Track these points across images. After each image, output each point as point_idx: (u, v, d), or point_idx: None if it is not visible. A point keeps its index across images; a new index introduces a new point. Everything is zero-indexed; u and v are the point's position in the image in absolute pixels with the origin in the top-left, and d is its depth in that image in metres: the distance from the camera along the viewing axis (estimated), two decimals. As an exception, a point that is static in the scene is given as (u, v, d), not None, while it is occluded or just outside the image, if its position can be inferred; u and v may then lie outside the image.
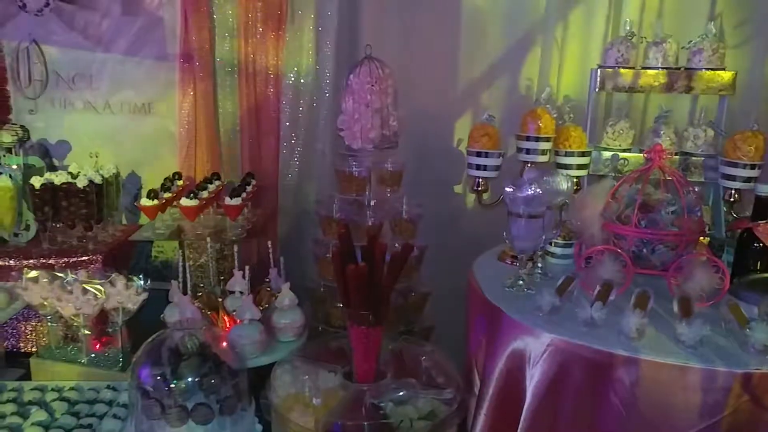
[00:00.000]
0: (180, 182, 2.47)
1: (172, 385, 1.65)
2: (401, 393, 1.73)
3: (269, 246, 2.19)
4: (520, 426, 1.74)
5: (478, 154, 2.12)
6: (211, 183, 2.40)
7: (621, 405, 1.58)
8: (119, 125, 2.78)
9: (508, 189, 1.88)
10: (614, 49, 2.24)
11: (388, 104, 2.21)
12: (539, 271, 2.06)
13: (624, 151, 2.24)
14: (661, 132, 2.22)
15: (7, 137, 2.29)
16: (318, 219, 2.33)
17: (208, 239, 2.17)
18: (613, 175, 2.17)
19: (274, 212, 2.81)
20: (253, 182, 2.51)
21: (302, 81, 2.76)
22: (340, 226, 1.80)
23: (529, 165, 2.11)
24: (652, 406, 1.56)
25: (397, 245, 1.94)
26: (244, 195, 2.28)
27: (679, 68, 2.20)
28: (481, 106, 3.00)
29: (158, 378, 1.67)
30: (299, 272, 2.55)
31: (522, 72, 2.97)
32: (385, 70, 2.21)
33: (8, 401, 1.86)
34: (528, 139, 2.10)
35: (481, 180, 2.16)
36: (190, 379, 1.66)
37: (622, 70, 2.20)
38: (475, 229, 3.02)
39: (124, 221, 2.77)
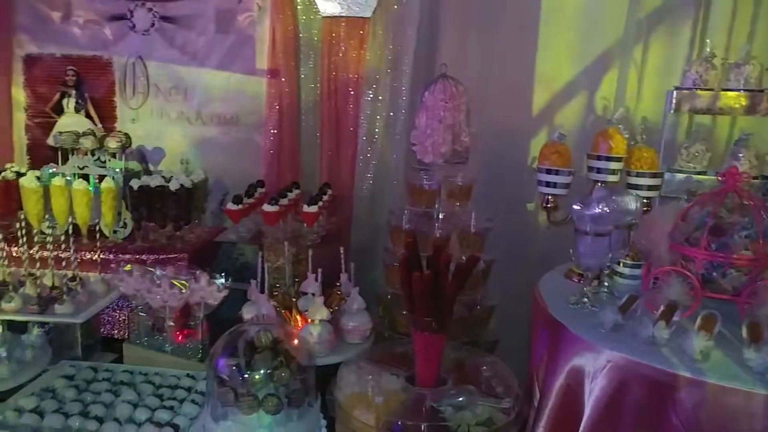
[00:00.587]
0: (263, 189, 2.63)
1: (246, 375, 1.77)
2: (461, 399, 1.80)
3: (341, 252, 2.30)
4: (578, 440, 1.76)
5: (548, 171, 2.16)
6: (291, 191, 2.55)
7: (682, 426, 1.58)
8: (209, 135, 3.00)
9: (575, 206, 1.91)
10: (693, 70, 2.23)
11: (460, 121, 2.28)
12: (605, 290, 2.06)
13: (699, 173, 2.21)
14: (741, 155, 2.18)
15: (113, 143, 2.52)
16: (388, 229, 2.42)
17: (286, 243, 2.31)
18: (686, 197, 2.14)
19: (348, 221, 2.93)
20: (330, 191, 2.64)
21: (380, 98, 2.88)
22: (408, 235, 1.89)
23: (599, 184, 2.13)
24: (715, 429, 1.55)
25: (463, 258, 2.00)
26: (320, 203, 2.40)
27: (761, 90, 2.16)
28: (555, 124, 3.03)
29: (234, 368, 1.79)
30: (369, 279, 2.65)
31: (599, 92, 2.98)
32: (459, 87, 2.29)
33: (103, 380, 2.05)
34: (599, 158, 2.11)
35: (550, 197, 2.19)
36: (262, 371, 1.78)
37: (699, 92, 2.19)
38: (545, 246, 3.03)
39: (210, 223, 2.96)
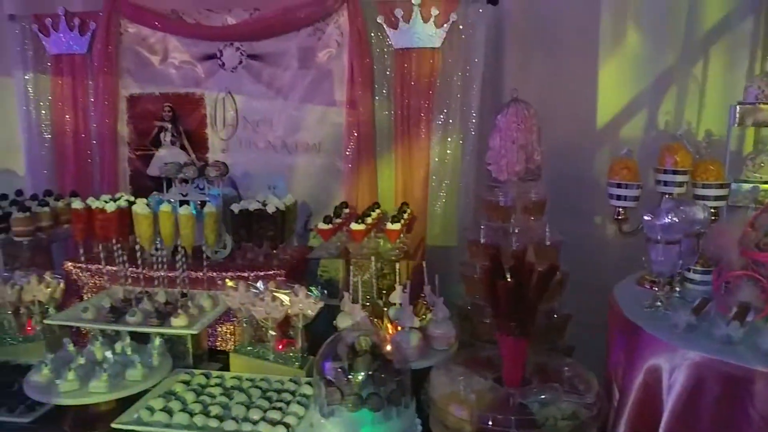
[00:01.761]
0: (347, 210, 2.86)
1: (350, 377, 1.98)
2: (547, 395, 1.95)
3: (424, 266, 2.49)
4: (660, 433, 1.89)
5: (618, 186, 2.31)
6: (373, 211, 2.77)
7: (759, 417, 1.70)
8: (293, 162, 3.25)
9: (646, 217, 2.05)
10: (755, 86, 2.35)
11: (532, 141, 2.46)
12: (677, 295, 2.19)
13: (765, 183, 2.32)
14: (805, 164, 2.29)
15: (213, 172, 2.80)
16: (466, 243, 2.61)
17: (373, 258, 2.52)
18: (753, 206, 2.26)
19: (422, 237, 3.12)
20: (409, 210, 2.84)
21: (450, 121, 3.08)
22: (492, 248, 2.07)
23: (666, 196, 2.26)
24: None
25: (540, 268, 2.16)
26: (403, 221, 2.61)
27: (822, 102, 2.27)
28: (619, 140, 3.17)
29: (338, 370, 2.00)
30: (443, 290, 2.82)
31: (661, 107, 3.10)
32: (530, 110, 2.47)
33: (216, 385, 2.29)
34: (665, 172, 2.25)
35: (621, 209, 2.34)
36: (363, 373, 1.98)
37: (762, 106, 2.31)
38: (613, 257, 3.16)
39: (295, 243, 3.21)
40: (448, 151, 3.11)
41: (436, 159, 3.11)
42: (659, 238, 2.03)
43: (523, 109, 2.45)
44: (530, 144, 2.47)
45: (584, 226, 3.20)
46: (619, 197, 2.32)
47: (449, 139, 3.10)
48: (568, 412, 1.90)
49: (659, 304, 2.09)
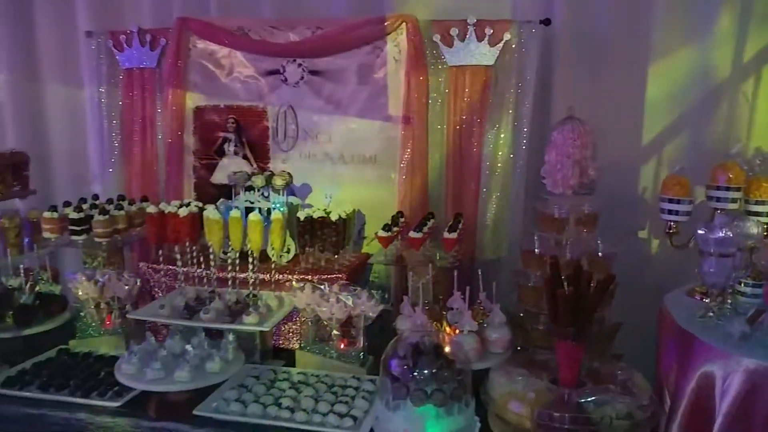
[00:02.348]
0: (403, 219, 3.00)
1: (415, 374, 2.11)
2: (602, 395, 2.06)
3: (479, 274, 2.62)
4: (713, 438, 1.99)
5: (671, 201, 2.42)
6: (429, 221, 2.90)
7: (812, 422, 1.79)
8: (350, 173, 3.40)
9: (700, 231, 2.16)
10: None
11: (587, 156, 2.58)
12: (728, 306, 2.28)
13: (817, 199, 2.40)
14: None
15: (279, 181, 2.97)
16: (520, 253, 2.73)
17: (431, 265, 2.66)
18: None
19: (473, 246, 3.25)
20: (462, 220, 2.97)
21: (502, 135, 3.20)
22: (552, 258, 2.19)
23: (718, 211, 2.36)
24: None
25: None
26: (458, 230, 2.75)
27: None
28: (665, 157, 3.27)
29: (404, 367, 2.13)
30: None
31: (710, 124, 3.19)
32: (585, 127, 2.59)
33: (284, 380, 2.45)
34: (718, 188, 2.36)
35: (672, 223, 2.45)
36: (427, 371, 2.11)
37: (814, 124, 2.40)
38: (657, 270, 3.26)
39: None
40: (499, 165, 3.22)
41: (487, 172, 3.23)
42: (712, 251, 2.13)
43: (579, 126, 2.58)
44: (585, 159, 2.59)
45: (628, 240, 3.29)
46: (670, 212, 2.44)
47: (500, 153, 3.22)
48: (623, 412, 2.01)
49: (711, 314, 2.19)
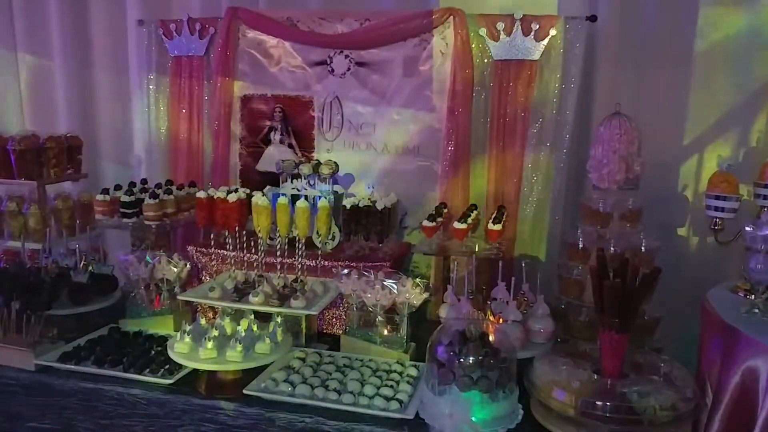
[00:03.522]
0: (446, 210, 3.05)
1: (461, 360, 2.16)
2: (646, 386, 2.09)
3: (523, 266, 2.66)
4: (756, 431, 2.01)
5: (717, 198, 2.44)
6: (472, 212, 2.95)
7: None
8: (393, 163, 3.44)
9: (748, 228, 2.18)
10: None
11: (633, 152, 2.60)
12: (773, 302, 2.29)
13: None
14: None
15: (326, 169, 3.03)
16: (563, 246, 2.76)
17: (474, 256, 2.71)
18: None
19: (514, 238, 3.28)
20: (505, 212, 3.01)
21: (545, 130, 3.23)
22: (599, 250, 2.23)
23: (766, 209, 2.37)
24: None
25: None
26: (502, 223, 2.79)
27: None
28: (708, 154, 3.27)
29: (451, 354, 2.19)
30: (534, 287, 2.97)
31: (754, 125, 3.18)
32: (632, 123, 2.61)
33: (329, 363, 2.52)
34: (766, 186, 2.36)
35: (718, 220, 2.47)
36: (472, 358, 2.16)
37: None
38: (697, 267, 3.26)
39: (391, 239, 3.41)
40: (541, 159, 3.25)
41: (530, 166, 3.26)
42: (760, 248, 2.15)
43: (626, 122, 2.60)
44: (630, 155, 2.61)
45: (668, 238, 3.29)
46: (717, 208, 2.45)
47: (542, 148, 3.25)
48: (668, 403, 2.04)
49: (757, 311, 2.21)
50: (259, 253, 2.86)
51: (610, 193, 2.64)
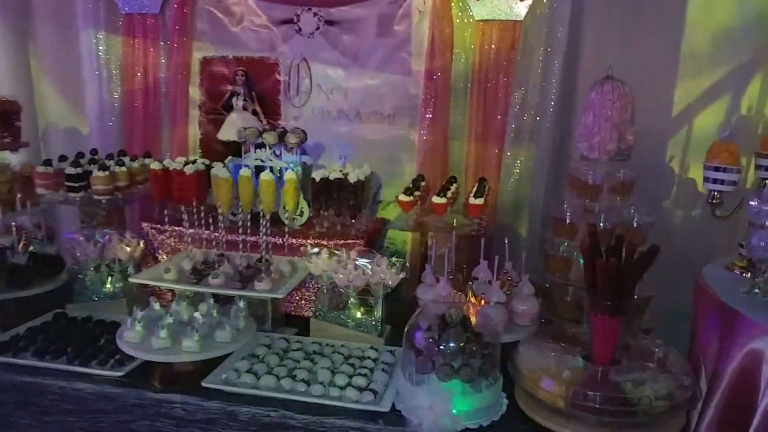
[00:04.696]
0: (424, 183, 2.83)
1: (441, 347, 1.98)
2: (641, 374, 1.93)
3: (506, 242, 2.46)
4: (756, 419, 1.86)
5: (716, 169, 2.26)
6: (452, 185, 2.74)
7: None
8: (367, 131, 3.22)
9: (752, 203, 2.01)
10: None
11: (626, 120, 2.41)
12: (774, 282, 2.14)
13: None
14: None
15: (293, 138, 2.78)
16: (550, 221, 2.58)
17: (453, 233, 2.50)
18: None
19: (495, 212, 3.09)
20: (487, 185, 2.81)
21: (529, 96, 3.03)
22: (591, 226, 2.04)
23: (768, 181, 2.22)
24: None
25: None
26: (485, 196, 2.59)
27: None
28: (695, 125, 3.09)
29: (430, 340, 2.00)
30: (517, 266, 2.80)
31: (746, 90, 3.00)
32: (625, 88, 2.41)
33: (297, 350, 2.31)
34: (770, 156, 2.20)
35: (716, 193, 2.29)
36: (453, 344, 1.98)
37: None
38: (684, 243, 3.11)
39: (364, 214, 3.20)
40: (525, 127, 3.06)
41: (512, 135, 3.07)
42: (765, 224, 1.98)
43: (619, 87, 2.40)
44: (623, 123, 2.41)
45: (654, 210, 3.13)
46: (715, 180, 2.28)
47: (526, 115, 3.05)
48: (663, 392, 1.89)
49: (757, 290, 2.05)
50: (220, 230, 2.61)
51: (600, 164, 2.44)
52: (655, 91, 3.10)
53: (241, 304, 2.37)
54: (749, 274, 2.26)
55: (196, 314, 2.24)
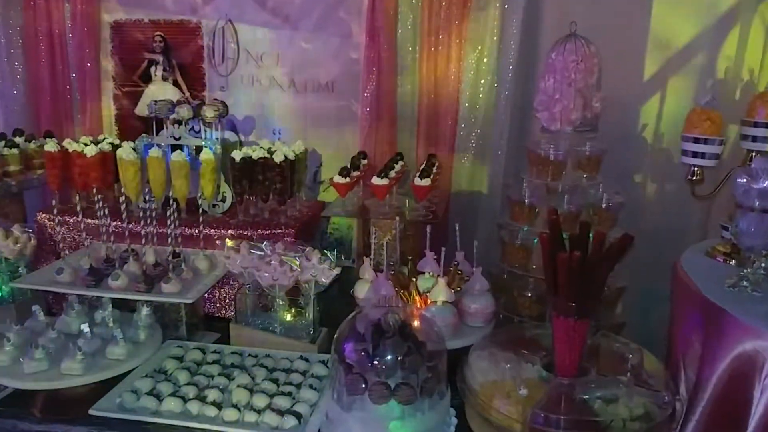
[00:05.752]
0: (365, 161, 2.48)
1: (375, 362, 1.65)
2: (613, 390, 1.63)
3: (456, 228, 2.13)
4: (748, 433, 1.58)
5: (696, 140, 1.93)
6: (396, 163, 2.39)
7: None
8: (302, 103, 2.86)
9: (740, 180, 1.69)
10: None
11: (591, 84, 2.07)
12: (762, 272, 1.84)
13: None
14: None
15: (210, 112, 2.40)
16: (508, 203, 2.25)
17: (397, 219, 2.16)
18: None
19: (448, 194, 2.76)
20: (437, 163, 2.47)
21: (485, 60, 2.70)
22: (551, 212, 1.70)
23: (754, 154, 1.90)
24: None
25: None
26: (432, 176, 2.24)
27: None
28: (669, 90, 2.78)
29: (362, 353, 1.67)
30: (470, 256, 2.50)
31: (721, 51, 2.70)
32: (591, 47, 2.08)
33: (213, 362, 1.96)
34: (756, 125, 1.88)
35: (696, 168, 1.97)
36: (390, 357, 1.65)
37: None
38: (656, 222, 2.82)
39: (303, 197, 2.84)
40: (480, 96, 2.73)
41: (467, 104, 2.74)
42: (755, 205, 1.67)
43: (583, 46, 2.07)
44: (589, 88, 2.08)
45: (623, 187, 2.84)
46: (695, 154, 1.95)
47: (482, 81, 2.73)
48: (639, 411, 1.59)
49: (746, 283, 1.75)
50: (127, 222, 2.23)
51: (563, 137, 2.11)
52: (625, 51, 2.77)
53: (145, 310, 2.01)
54: (733, 262, 1.97)
55: (83, 327, 1.86)
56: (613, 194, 2.14)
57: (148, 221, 2.20)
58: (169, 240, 2.19)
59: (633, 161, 2.89)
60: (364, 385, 1.63)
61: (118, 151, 2.32)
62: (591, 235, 1.67)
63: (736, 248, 1.96)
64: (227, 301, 2.37)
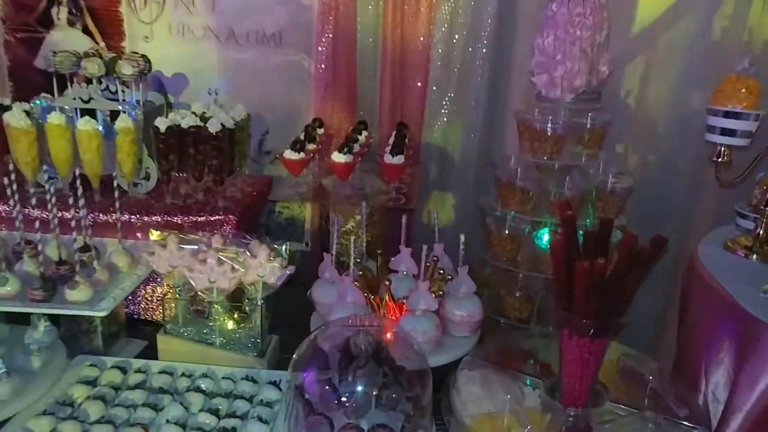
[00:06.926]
0: (322, 130, 2.07)
1: (344, 399, 1.30)
2: (636, 424, 1.33)
3: (435, 216, 1.77)
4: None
5: (727, 115, 1.61)
6: (360, 134, 1.99)
7: None
8: (244, 57, 2.42)
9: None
10: None
11: (599, 44, 1.71)
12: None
13: None
14: None
15: (128, 69, 1.91)
16: (495, 185, 1.89)
17: (363, 204, 1.77)
18: None
19: (418, 171, 2.39)
20: (408, 134, 2.08)
21: (460, 12, 2.33)
22: (564, 206, 1.35)
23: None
24: None
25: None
26: (406, 151, 1.86)
27: None
28: (659, 52, 2.46)
29: (326, 387, 1.32)
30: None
31: (718, 10, 2.39)
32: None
33: (137, 387, 1.55)
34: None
35: (724, 148, 1.65)
36: (362, 390, 1.31)
37: None
38: (645, 207, 2.54)
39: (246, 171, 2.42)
40: (455, 54, 2.36)
41: (438, 63, 2.37)
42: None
43: (591, -3, 1.69)
44: (597, 48, 1.72)
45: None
46: (724, 131, 1.62)
47: (456, 36, 2.37)
48: (665, 451, 1.30)
49: (787, 292, 1.47)
50: (14, 205, 1.74)
51: (563, 107, 1.75)
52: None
53: (42, 326, 1.56)
54: (754, 257, 1.70)
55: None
56: (621, 176, 1.81)
57: (49, 205, 1.73)
58: (77, 229, 1.71)
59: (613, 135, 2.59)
60: (329, 429, 1.28)
61: (5, 116, 1.82)
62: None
63: (758, 241, 1.69)
64: (155, 301, 1.95)
